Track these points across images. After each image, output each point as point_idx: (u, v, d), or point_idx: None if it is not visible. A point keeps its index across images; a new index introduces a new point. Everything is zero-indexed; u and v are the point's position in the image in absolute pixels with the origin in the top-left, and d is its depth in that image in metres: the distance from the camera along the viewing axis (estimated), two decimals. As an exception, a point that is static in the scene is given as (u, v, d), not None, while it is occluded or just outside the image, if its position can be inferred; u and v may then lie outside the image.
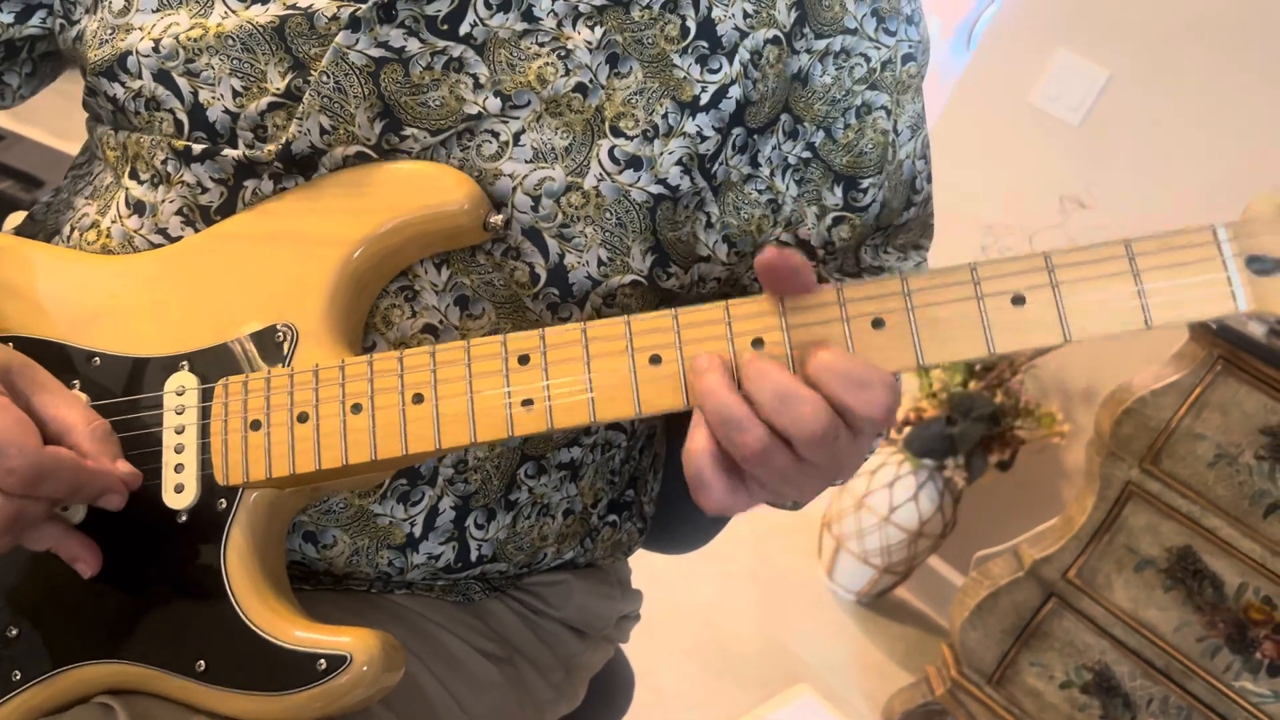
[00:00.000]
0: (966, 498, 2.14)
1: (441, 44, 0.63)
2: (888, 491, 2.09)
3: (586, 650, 0.85)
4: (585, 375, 0.56)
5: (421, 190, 0.63)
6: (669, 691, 1.84)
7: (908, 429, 2.09)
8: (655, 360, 0.55)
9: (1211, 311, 0.50)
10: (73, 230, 0.72)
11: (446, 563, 0.72)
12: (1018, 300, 0.52)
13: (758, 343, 0.54)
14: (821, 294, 0.54)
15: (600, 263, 0.66)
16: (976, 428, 1.98)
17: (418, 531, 0.70)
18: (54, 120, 2.07)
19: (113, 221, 0.69)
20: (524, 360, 0.57)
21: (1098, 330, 0.51)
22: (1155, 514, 1.52)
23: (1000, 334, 0.52)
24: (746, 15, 0.66)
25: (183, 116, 0.65)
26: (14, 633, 0.61)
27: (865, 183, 0.72)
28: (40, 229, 0.77)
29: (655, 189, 0.65)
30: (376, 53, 0.62)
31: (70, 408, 0.59)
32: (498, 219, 0.63)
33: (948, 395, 2.04)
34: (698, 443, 0.53)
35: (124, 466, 0.59)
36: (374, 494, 0.68)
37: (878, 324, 0.53)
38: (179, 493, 0.61)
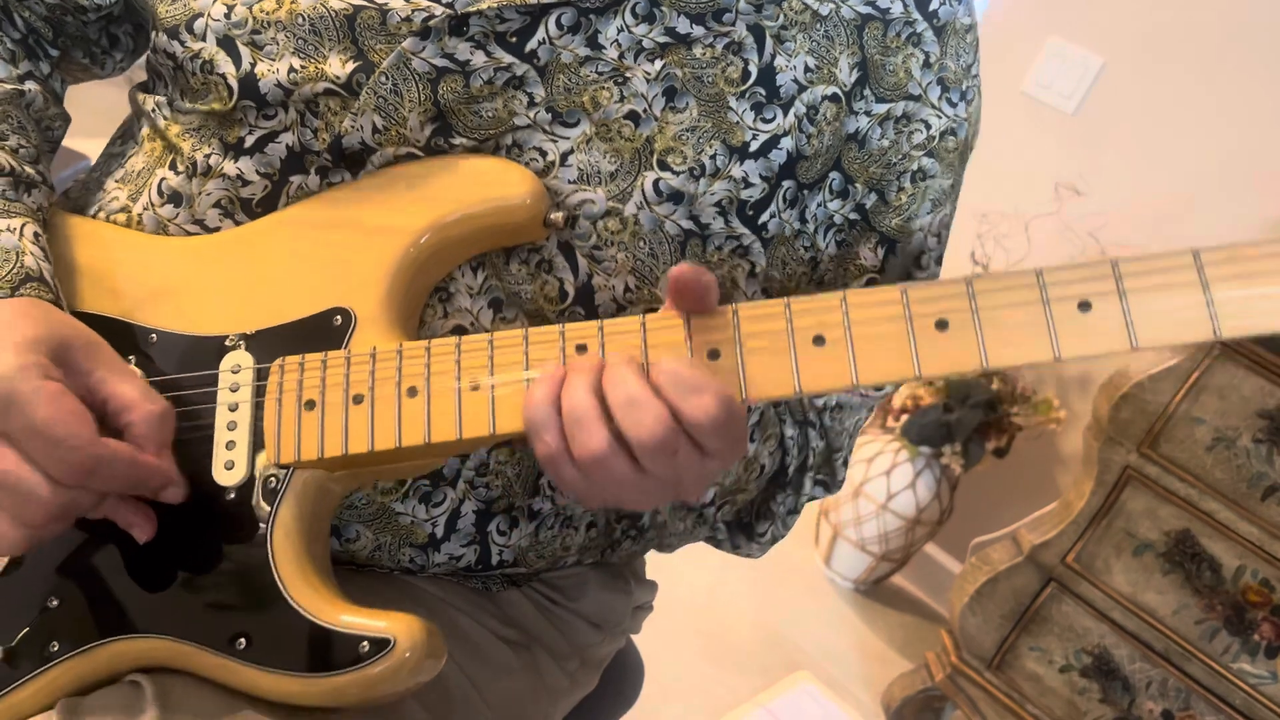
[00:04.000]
0: (963, 485, 2.15)
1: (507, 59, 0.63)
2: (885, 479, 2.10)
3: (602, 641, 0.85)
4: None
5: (486, 183, 0.63)
6: (669, 680, 1.85)
7: (905, 416, 2.10)
8: (714, 354, 0.55)
9: None
10: (99, 212, 0.71)
11: (468, 564, 0.72)
12: (1084, 306, 0.51)
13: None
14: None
15: (627, 289, 0.66)
16: (973, 415, 1.99)
17: (440, 532, 0.70)
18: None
19: (144, 208, 0.69)
20: (581, 349, 0.57)
21: (1165, 339, 0.50)
22: (1153, 498, 1.53)
23: (1066, 340, 0.51)
24: (808, 69, 0.65)
25: (234, 83, 0.64)
26: (54, 603, 0.61)
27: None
28: (71, 208, 0.77)
29: (687, 224, 0.65)
30: (440, 63, 0.62)
31: (131, 386, 0.58)
32: (558, 216, 0.63)
33: (944, 382, 2.04)
34: (540, 385, 0.54)
35: (164, 462, 0.58)
36: (395, 492, 0.68)
37: (941, 325, 0.53)
38: (229, 470, 0.61)
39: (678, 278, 0.54)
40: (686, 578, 2.07)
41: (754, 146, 0.65)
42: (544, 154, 0.63)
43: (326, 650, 0.57)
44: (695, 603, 2.06)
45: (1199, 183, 1.84)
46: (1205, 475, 1.48)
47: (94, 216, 0.72)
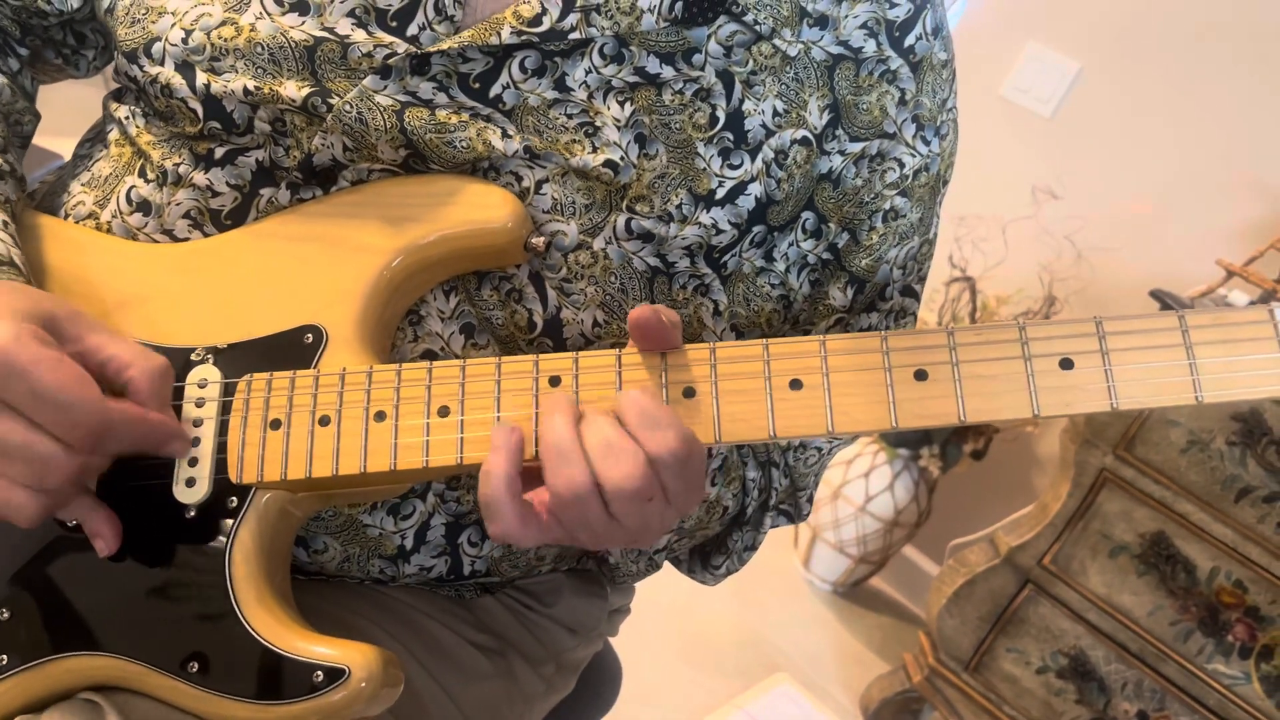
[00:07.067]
0: (941, 487, 2.15)
1: (470, 104, 0.62)
2: (864, 481, 2.10)
3: (578, 646, 0.84)
4: None
5: (467, 205, 0.62)
6: (648, 683, 1.84)
7: (883, 419, 2.10)
8: (689, 393, 0.55)
9: (1262, 392, 0.49)
10: (67, 216, 0.70)
11: (439, 574, 0.71)
12: (1066, 364, 0.51)
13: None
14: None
15: (595, 323, 0.65)
16: (951, 417, 1.99)
17: (409, 544, 0.69)
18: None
19: (113, 216, 0.68)
20: (555, 382, 0.56)
21: (1146, 401, 0.50)
22: (1129, 500, 1.54)
23: (1046, 396, 0.51)
24: (776, 114, 0.64)
25: (196, 105, 0.64)
26: (5, 615, 0.60)
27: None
28: (35, 209, 0.76)
29: (654, 261, 0.64)
30: (404, 98, 0.61)
31: (125, 346, 0.58)
32: (539, 240, 0.62)
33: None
34: (496, 465, 0.53)
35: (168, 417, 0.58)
36: (363, 504, 0.67)
37: (920, 375, 0.53)
38: (190, 487, 0.59)
39: (636, 320, 0.54)
40: (664, 580, 2.07)
41: (720, 194, 0.64)
42: (519, 179, 0.62)
43: (280, 678, 0.55)
44: (673, 605, 2.06)
45: (1174, 186, 1.86)
46: (1180, 478, 1.49)
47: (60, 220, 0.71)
